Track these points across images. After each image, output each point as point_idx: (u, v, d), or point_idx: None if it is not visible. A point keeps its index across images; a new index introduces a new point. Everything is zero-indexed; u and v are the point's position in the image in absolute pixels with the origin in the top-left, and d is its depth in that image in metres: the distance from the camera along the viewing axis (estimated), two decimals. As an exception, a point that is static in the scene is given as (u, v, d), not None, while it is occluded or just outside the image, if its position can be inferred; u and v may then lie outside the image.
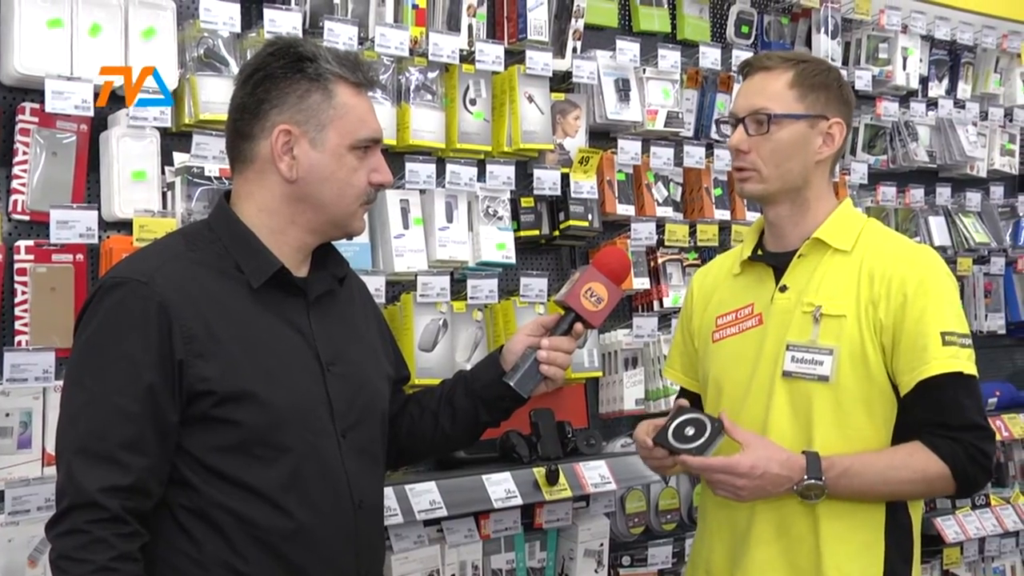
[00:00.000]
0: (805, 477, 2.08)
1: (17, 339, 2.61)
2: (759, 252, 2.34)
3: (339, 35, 3.02)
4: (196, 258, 1.88)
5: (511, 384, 2.04)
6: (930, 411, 2.13)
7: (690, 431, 2.11)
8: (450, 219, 3.28)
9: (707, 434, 2.09)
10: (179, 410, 1.79)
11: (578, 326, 2.06)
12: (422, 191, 3.25)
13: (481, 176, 3.33)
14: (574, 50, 3.63)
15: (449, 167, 3.24)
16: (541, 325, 2.09)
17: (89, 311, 1.83)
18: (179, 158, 2.83)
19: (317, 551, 1.86)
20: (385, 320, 2.26)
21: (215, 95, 2.86)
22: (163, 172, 2.82)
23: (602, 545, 3.47)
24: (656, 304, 3.78)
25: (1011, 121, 5.09)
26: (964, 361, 2.12)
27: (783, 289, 2.25)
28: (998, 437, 4.11)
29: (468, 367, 3.25)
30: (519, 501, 3.06)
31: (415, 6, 3.26)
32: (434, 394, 2.18)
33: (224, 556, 1.80)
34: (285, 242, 1.93)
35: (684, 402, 2.23)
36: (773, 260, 2.30)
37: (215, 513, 1.80)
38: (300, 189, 1.90)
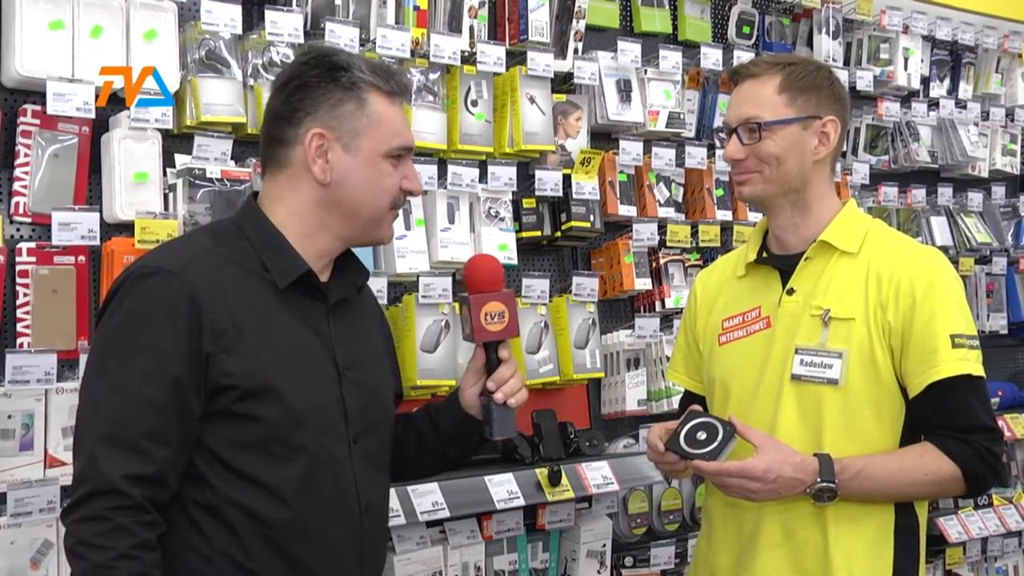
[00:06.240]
0: (818, 480, 2.08)
1: (19, 341, 2.61)
2: (764, 254, 2.33)
3: (340, 36, 3.01)
4: (224, 254, 1.89)
5: (498, 438, 2.04)
6: (940, 413, 2.13)
7: (702, 435, 2.10)
8: (452, 220, 3.28)
9: (719, 438, 2.08)
10: (202, 404, 1.79)
11: (502, 350, 2.02)
12: (424, 192, 3.25)
13: (483, 177, 3.32)
14: (575, 51, 3.62)
15: (451, 168, 3.23)
16: (475, 371, 2.06)
17: (118, 297, 1.82)
18: (181, 160, 2.83)
19: (322, 552, 1.87)
20: (392, 335, 2.25)
21: (216, 97, 2.85)
22: (165, 174, 2.81)
23: (604, 546, 3.46)
24: (658, 305, 3.78)
25: (1012, 121, 5.08)
26: (973, 363, 2.12)
27: (791, 292, 2.25)
28: (1001, 437, 4.10)
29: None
30: (521, 502, 3.05)
31: (416, 7, 3.26)
32: (406, 422, 2.18)
33: (230, 551, 1.80)
34: (313, 245, 1.94)
35: (696, 407, 2.22)
36: (779, 263, 2.29)
37: (226, 509, 1.80)
38: (333, 193, 1.91)
